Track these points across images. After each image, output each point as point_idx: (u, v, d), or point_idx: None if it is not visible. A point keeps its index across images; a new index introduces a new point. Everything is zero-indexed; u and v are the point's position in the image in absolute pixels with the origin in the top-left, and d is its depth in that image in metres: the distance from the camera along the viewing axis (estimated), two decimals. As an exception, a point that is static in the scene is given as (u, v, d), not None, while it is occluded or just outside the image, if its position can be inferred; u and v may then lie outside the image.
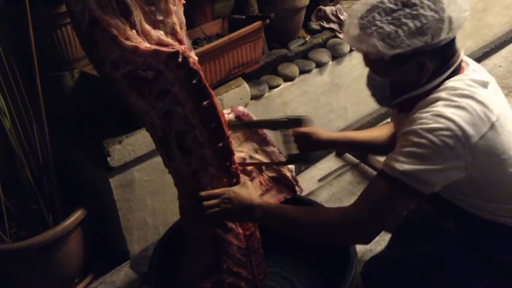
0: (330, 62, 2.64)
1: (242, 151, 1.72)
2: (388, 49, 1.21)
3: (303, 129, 1.64)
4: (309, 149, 1.67)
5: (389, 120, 1.79)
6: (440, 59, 1.26)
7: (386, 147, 1.62)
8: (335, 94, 2.74)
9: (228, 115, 1.69)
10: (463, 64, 1.31)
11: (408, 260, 1.46)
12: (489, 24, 3.64)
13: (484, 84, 1.27)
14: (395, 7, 1.22)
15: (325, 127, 2.77)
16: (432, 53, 1.23)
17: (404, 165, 1.20)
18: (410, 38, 1.20)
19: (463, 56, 1.31)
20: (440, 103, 1.22)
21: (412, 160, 1.20)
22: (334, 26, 2.72)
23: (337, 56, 2.65)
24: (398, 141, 1.26)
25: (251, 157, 1.73)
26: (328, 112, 2.75)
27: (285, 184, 1.77)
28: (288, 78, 2.50)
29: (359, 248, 2.04)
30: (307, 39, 2.67)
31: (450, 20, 1.20)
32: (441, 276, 1.39)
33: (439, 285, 1.40)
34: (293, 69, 2.52)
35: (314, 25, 2.75)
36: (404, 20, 1.20)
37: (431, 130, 1.19)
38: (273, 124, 1.69)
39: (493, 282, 1.37)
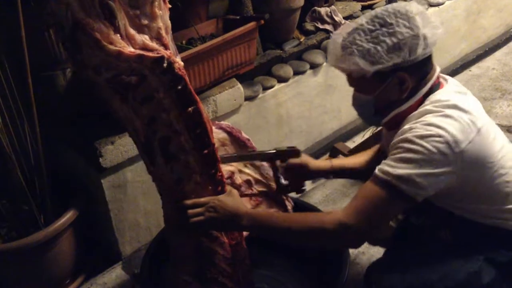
0: (325, 63, 2.64)
1: (231, 164, 1.70)
2: (369, 65, 1.29)
3: (297, 160, 1.67)
4: (301, 179, 1.71)
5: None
6: (418, 74, 1.34)
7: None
8: (329, 95, 2.74)
9: (219, 134, 1.68)
10: (441, 80, 1.39)
11: (408, 263, 1.46)
12: (483, 27, 3.66)
13: (466, 95, 1.37)
14: (373, 28, 1.31)
15: (319, 128, 2.77)
16: (410, 68, 1.31)
17: (397, 170, 1.25)
18: (389, 54, 1.28)
19: (439, 73, 1.39)
20: (428, 115, 1.29)
21: (405, 165, 1.25)
22: (328, 27, 2.72)
23: (331, 57, 2.65)
24: (390, 151, 1.31)
25: (240, 171, 1.72)
26: (322, 113, 2.75)
27: (275, 199, 1.76)
28: (282, 79, 2.50)
29: (352, 250, 2.04)
30: (301, 40, 2.67)
31: (424, 37, 1.29)
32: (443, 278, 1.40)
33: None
34: (287, 70, 2.51)
35: (309, 26, 2.74)
36: (382, 38, 1.29)
37: (423, 137, 1.25)
38: (268, 156, 1.69)
39: (495, 281, 1.39)
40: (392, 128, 1.40)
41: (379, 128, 1.74)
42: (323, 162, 1.74)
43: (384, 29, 1.30)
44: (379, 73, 1.31)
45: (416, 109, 1.34)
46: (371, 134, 1.86)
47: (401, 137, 1.29)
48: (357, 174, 1.79)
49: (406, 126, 1.30)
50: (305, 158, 1.69)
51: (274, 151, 1.68)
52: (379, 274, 1.49)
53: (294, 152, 1.68)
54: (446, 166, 1.25)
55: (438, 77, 1.38)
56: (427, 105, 1.32)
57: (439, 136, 1.24)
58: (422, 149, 1.24)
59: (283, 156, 1.68)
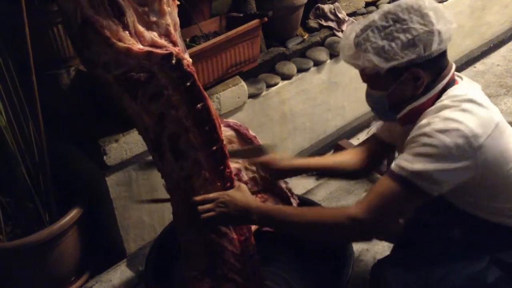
0: (328, 61, 2.63)
1: (237, 161, 1.70)
2: (383, 62, 1.28)
3: (262, 159, 1.64)
4: (272, 177, 1.69)
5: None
6: (433, 71, 1.33)
7: (353, 172, 1.68)
8: (333, 93, 2.74)
9: (227, 132, 1.68)
10: (456, 78, 1.38)
11: (415, 260, 1.46)
12: (488, 23, 3.64)
13: (481, 93, 1.36)
14: (387, 24, 1.30)
15: (322, 125, 2.76)
16: (425, 64, 1.30)
17: (414, 165, 1.24)
18: (403, 50, 1.27)
19: (454, 71, 1.38)
20: (446, 110, 1.28)
21: (423, 160, 1.23)
22: (332, 24, 2.72)
23: (335, 54, 2.64)
24: (407, 145, 1.30)
25: (246, 168, 1.72)
26: (326, 111, 2.75)
27: (280, 196, 1.76)
28: (286, 77, 2.49)
29: (356, 247, 2.04)
30: (305, 37, 2.66)
31: (439, 32, 1.27)
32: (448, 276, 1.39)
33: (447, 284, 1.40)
34: (291, 67, 2.51)
35: (312, 23, 2.74)
36: (396, 34, 1.28)
37: (441, 131, 1.23)
38: (233, 154, 1.66)
39: (500, 281, 1.38)
40: (407, 123, 1.39)
41: (376, 126, 1.71)
42: (293, 160, 1.69)
43: (398, 25, 1.28)
44: (393, 70, 1.29)
45: (432, 104, 1.33)
46: (375, 131, 1.85)
47: (419, 131, 1.27)
48: (337, 174, 1.78)
49: (424, 121, 1.28)
50: (271, 156, 1.65)
51: (243, 149, 1.67)
52: (387, 270, 1.48)
53: (257, 150, 1.65)
54: (465, 161, 1.23)
55: (453, 74, 1.36)
56: (444, 100, 1.31)
57: (458, 130, 1.22)
58: (440, 143, 1.22)
59: (247, 154, 1.66)
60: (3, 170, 1.99)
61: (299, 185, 2.55)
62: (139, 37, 1.20)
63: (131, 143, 1.97)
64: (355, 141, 2.79)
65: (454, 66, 1.37)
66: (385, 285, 1.45)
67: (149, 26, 1.22)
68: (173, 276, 1.68)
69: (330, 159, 1.77)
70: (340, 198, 2.46)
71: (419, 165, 1.23)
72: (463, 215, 1.40)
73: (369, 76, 1.36)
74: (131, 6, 1.18)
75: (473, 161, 1.24)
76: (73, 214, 1.94)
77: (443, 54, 1.32)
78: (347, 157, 1.70)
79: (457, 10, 3.31)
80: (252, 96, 2.36)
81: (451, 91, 1.32)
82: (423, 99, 1.34)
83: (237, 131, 1.71)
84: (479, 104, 1.28)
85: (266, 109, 2.45)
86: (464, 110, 1.26)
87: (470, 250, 1.40)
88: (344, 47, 1.38)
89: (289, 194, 1.77)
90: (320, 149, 2.77)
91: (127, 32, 1.17)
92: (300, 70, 2.54)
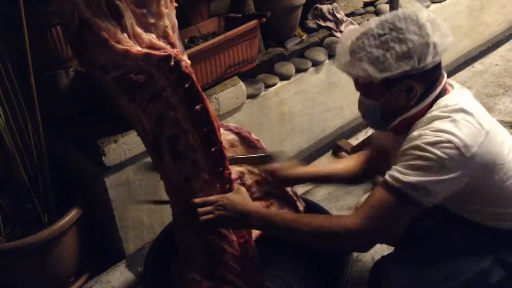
0: (327, 61, 2.64)
1: (241, 165, 1.70)
2: (377, 72, 1.28)
3: (271, 166, 1.68)
4: (280, 184, 1.72)
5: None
6: (427, 82, 1.33)
7: (353, 178, 1.73)
8: (331, 93, 2.74)
9: (228, 135, 1.69)
10: (447, 86, 1.38)
11: (418, 259, 1.46)
12: (486, 23, 3.65)
13: (471, 99, 1.36)
14: (383, 32, 1.29)
15: (321, 126, 2.77)
16: (419, 76, 1.30)
17: (408, 177, 1.25)
18: (398, 62, 1.27)
19: (446, 79, 1.38)
20: (437, 121, 1.29)
21: (416, 172, 1.24)
22: (330, 24, 2.72)
23: (333, 54, 2.64)
24: (400, 157, 1.31)
25: (250, 172, 1.73)
26: (324, 111, 2.75)
27: (286, 200, 1.76)
28: (284, 77, 2.50)
29: (355, 247, 2.04)
30: (303, 37, 2.67)
31: (434, 45, 1.27)
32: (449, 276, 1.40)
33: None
34: (289, 67, 2.51)
35: (311, 23, 2.74)
36: (391, 44, 1.27)
37: (433, 144, 1.24)
38: (245, 161, 1.70)
39: (503, 281, 1.38)
40: (400, 133, 1.40)
41: (371, 132, 1.74)
42: (299, 169, 1.73)
43: (394, 33, 1.28)
44: (387, 80, 1.29)
45: (424, 114, 1.33)
46: (371, 134, 1.88)
47: (411, 144, 1.28)
48: (339, 180, 1.82)
49: (415, 133, 1.29)
50: (280, 164, 1.68)
51: (254, 156, 1.70)
52: (388, 268, 1.48)
53: (267, 157, 1.68)
54: (457, 171, 1.24)
55: (445, 84, 1.37)
56: (434, 111, 1.31)
57: (449, 142, 1.23)
58: (433, 156, 1.23)
59: (258, 161, 1.69)
60: (2, 171, 1.99)
61: (298, 186, 2.55)
62: (137, 39, 1.20)
63: (130, 144, 1.97)
64: (353, 141, 2.80)
65: (445, 76, 1.38)
66: (386, 283, 1.46)
67: (147, 28, 1.22)
68: (172, 277, 1.68)
69: (332, 167, 1.82)
70: (339, 198, 2.46)
71: (412, 178, 1.24)
72: (460, 220, 1.41)
73: (363, 85, 1.37)
74: (129, 8, 1.18)
75: (466, 170, 1.25)
76: (72, 214, 1.94)
77: (437, 66, 1.32)
78: (348, 164, 1.73)
79: (455, 10, 3.32)
80: (250, 96, 2.36)
81: (442, 101, 1.33)
82: (414, 110, 1.35)
83: (239, 134, 1.72)
84: (469, 114, 1.28)
85: (265, 109, 2.45)
86: (454, 121, 1.26)
87: (473, 250, 1.41)
88: (339, 55, 1.38)
89: (295, 198, 1.77)
90: (319, 150, 2.77)
91: (125, 34, 1.17)
92: (298, 71, 2.55)
